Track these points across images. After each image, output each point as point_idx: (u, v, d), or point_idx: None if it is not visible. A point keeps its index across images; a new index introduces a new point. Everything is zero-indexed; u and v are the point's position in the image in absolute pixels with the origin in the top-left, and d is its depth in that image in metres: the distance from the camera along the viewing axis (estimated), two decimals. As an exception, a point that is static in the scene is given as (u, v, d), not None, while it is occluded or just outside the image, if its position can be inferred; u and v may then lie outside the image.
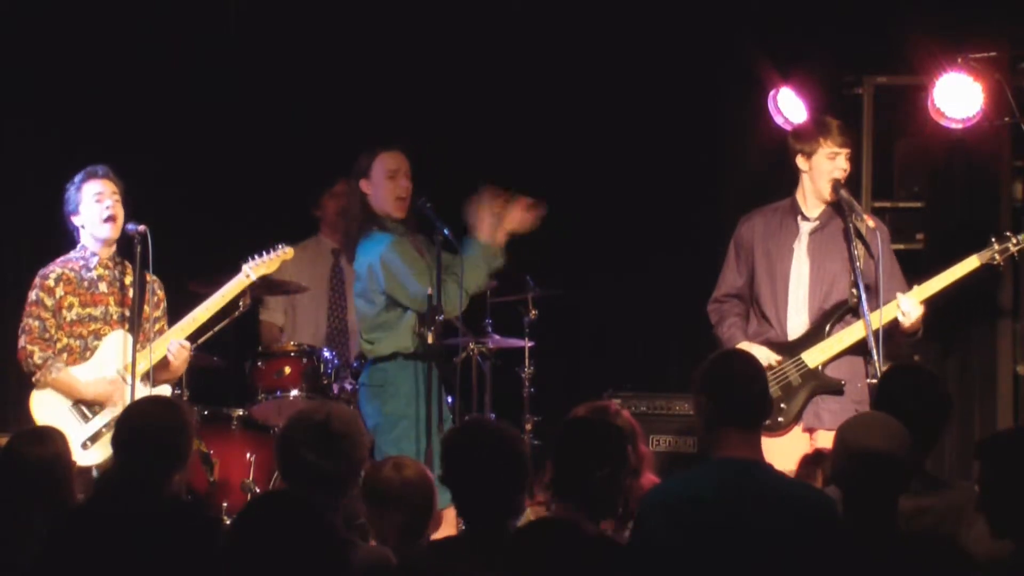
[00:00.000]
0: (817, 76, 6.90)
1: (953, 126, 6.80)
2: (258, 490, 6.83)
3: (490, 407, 7.58)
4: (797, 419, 6.15)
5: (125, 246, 6.32)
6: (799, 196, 6.31)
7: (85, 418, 6.24)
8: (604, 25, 7.97)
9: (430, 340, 6.17)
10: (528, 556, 3.53)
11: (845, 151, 6.21)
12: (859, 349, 6.15)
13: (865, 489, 4.09)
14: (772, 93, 6.78)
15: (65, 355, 6.27)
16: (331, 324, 7.88)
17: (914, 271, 6.48)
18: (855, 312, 6.15)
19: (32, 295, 6.29)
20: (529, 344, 7.73)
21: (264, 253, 6.59)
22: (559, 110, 8.13)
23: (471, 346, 7.37)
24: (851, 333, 6.14)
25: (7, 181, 7.56)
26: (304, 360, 7.06)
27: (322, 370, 7.08)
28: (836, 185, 6.19)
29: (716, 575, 3.95)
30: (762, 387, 4.22)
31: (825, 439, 5.71)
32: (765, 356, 6.14)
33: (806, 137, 6.28)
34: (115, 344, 6.32)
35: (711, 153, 8.04)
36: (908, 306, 6.07)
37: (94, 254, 6.35)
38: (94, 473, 6.08)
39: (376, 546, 4.30)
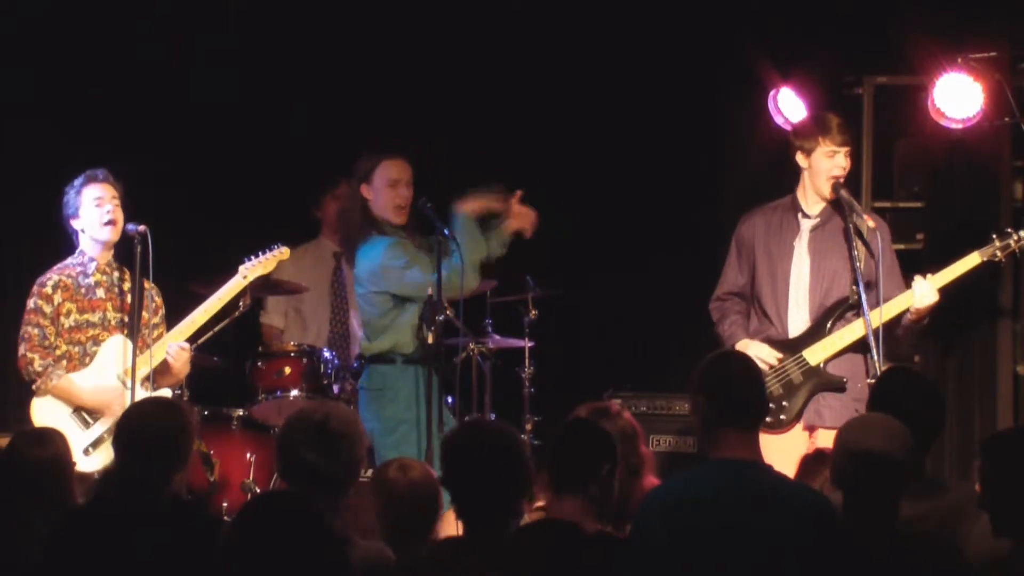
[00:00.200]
0: (817, 76, 6.90)
1: (953, 126, 6.81)
2: (258, 490, 6.83)
3: (490, 407, 7.58)
4: (799, 417, 6.15)
5: (125, 247, 6.32)
6: (800, 193, 6.32)
7: (86, 424, 6.24)
8: (604, 25, 7.97)
9: (430, 340, 6.18)
10: (528, 556, 3.53)
11: (844, 149, 6.21)
12: (860, 347, 6.15)
13: (865, 490, 4.09)
14: (772, 93, 6.79)
15: (65, 362, 6.27)
16: (333, 328, 7.89)
17: (914, 271, 6.48)
18: (856, 309, 6.15)
19: (31, 303, 6.29)
20: (529, 344, 7.73)
21: (260, 253, 6.60)
22: (559, 110, 8.13)
23: (471, 346, 7.37)
24: (852, 331, 6.14)
25: (7, 181, 7.56)
26: (304, 360, 7.06)
27: (322, 370, 7.08)
28: (836, 185, 6.19)
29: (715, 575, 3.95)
30: (760, 387, 4.22)
31: (826, 437, 5.71)
32: (766, 354, 6.15)
33: (805, 134, 6.29)
34: (114, 349, 6.32)
35: (711, 153, 8.04)
36: (925, 288, 6.07)
37: (92, 260, 6.35)
38: (96, 479, 6.08)
39: (375, 544, 4.30)
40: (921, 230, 7.52)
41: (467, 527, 4.18)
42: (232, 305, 6.68)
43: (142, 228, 6.18)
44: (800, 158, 6.28)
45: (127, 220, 6.29)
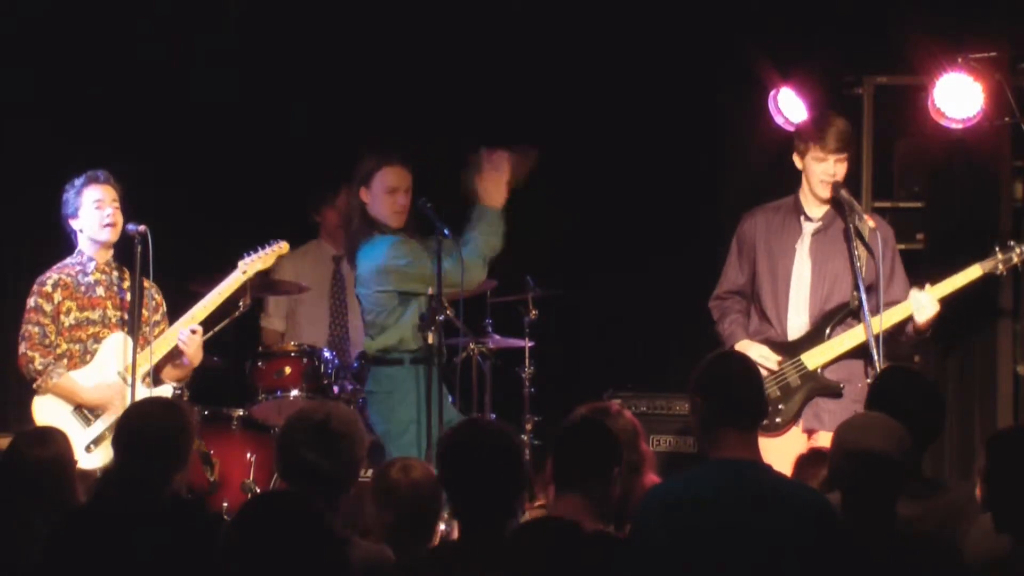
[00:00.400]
0: (817, 76, 6.90)
1: (953, 126, 6.80)
2: (258, 490, 6.83)
3: (490, 407, 7.58)
4: (795, 419, 6.16)
5: (125, 246, 6.32)
6: (802, 195, 6.31)
7: (87, 422, 6.25)
8: (604, 25, 7.97)
9: (431, 340, 6.18)
10: (528, 555, 3.53)
11: (834, 157, 6.17)
12: (859, 352, 6.15)
13: (863, 489, 4.09)
14: (772, 93, 6.78)
15: (65, 360, 6.28)
16: (332, 330, 7.89)
17: (914, 271, 6.48)
18: (856, 315, 6.15)
19: (30, 302, 6.30)
20: (529, 344, 7.73)
21: (259, 249, 6.60)
22: (559, 110, 8.13)
23: (471, 346, 7.37)
24: (851, 337, 6.14)
25: (7, 181, 7.56)
26: (304, 360, 7.06)
27: (322, 370, 7.08)
28: (836, 185, 6.19)
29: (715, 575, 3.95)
30: (759, 388, 4.22)
31: (825, 440, 5.70)
32: (765, 356, 6.14)
33: (801, 136, 6.30)
34: (114, 347, 6.33)
35: (711, 153, 8.04)
36: (926, 300, 6.08)
37: (91, 259, 6.36)
38: (98, 476, 6.08)
39: (375, 544, 4.30)
40: (921, 230, 7.51)
41: (464, 526, 4.18)
42: (232, 305, 6.68)
43: (142, 228, 6.19)
44: (796, 159, 6.29)
45: (127, 220, 6.30)
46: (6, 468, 4.71)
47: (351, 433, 4.29)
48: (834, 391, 6.15)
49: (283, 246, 6.67)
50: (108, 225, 6.28)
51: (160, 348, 6.32)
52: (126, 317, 6.37)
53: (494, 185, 6.26)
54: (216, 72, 8.00)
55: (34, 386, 6.26)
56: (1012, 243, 6.25)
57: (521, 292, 7.71)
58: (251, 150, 8.13)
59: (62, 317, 6.30)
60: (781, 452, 5.71)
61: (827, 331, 6.18)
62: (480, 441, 4.20)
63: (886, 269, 6.13)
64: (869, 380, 6.03)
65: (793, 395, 6.17)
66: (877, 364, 5.92)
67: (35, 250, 7.17)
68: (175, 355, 6.38)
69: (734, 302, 6.41)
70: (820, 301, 6.21)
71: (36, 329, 6.27)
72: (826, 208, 6.28)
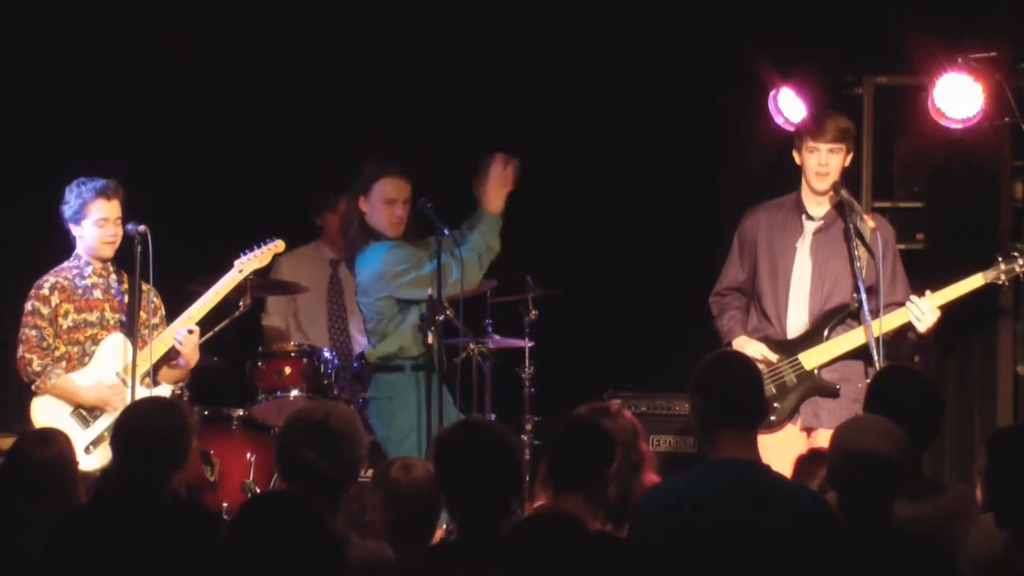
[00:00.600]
0: (817, 76, 6.89)
1: (953, 126, 6.80)
2: (258, 490, 6.84)
3: (490, 407, 7.58)
4: (790, 417, 6.16)
5: (125, 247, 6.33)
6: (803, 193, 6.32)
7: (86, 423, 6.25)
8: (604, 25, 7.97)
9: (431, 340, 6.18)
10: (528, 553, 3.53)
11: (827, 147, 6.16)
12: (858, 352, 6.15)
13: (861, 490, 4.09)
14: (772, 93, 6.78)
15: (64, 362, 6.28)
16: (332, 333, 7.90)
17: (914, 271, 6.48)
18: (856, 316, 6.15)
19: (28, 306, 6.31)
20: (529, 344, 7.73)
21: (255, 247, 6.61)
22: (559, 110, 8.13)
23: (471, 346, 7.37)
24: (850, 339, 6.14)
25: (7, 181, 7.56)
26: (304, 360, 7.07)
27: (322, 370, 7.09)
28: (836, 185, 6.19)
29: (715, 575, 3.95)
30: (759, 388, 4.22)
31: (824, 438, 5.69)
32: (763, 353, 6.15)
33: (798, 131, 6.31)
34: (113, 347, 6.33)
35: (711, 153, 8.04)
36: (926, 307, 6.08)
37: (88, 263, 6.37)
38: (97, 477, 6.08)
39: (375, 544, 4.30)
40: (921, 230, 7.51)
41: (460, 526, 4.18)
42: (232, 305, 6.68)
43: (142, 228, 6.19)
44: (795, 154, 6.29)
45: (127, 220, 6.30)
46: (8, 468, 4.71)
47: (351, 433, 4.29)
48: (830, 391, 6.16)
49: (279, 244, 6.67)
50: (109, 243, 6.32)
51: (158, 349, 6.32)
52: (124, 319, 6.38)
53: (496, 191, 6.27)
54: (216, 72, 8.00)
55: (33, 387, 6.26)
56: (1015, 253, 6.24)
57: (521, 292, 7.71)
58: (251, 150, 8.13)
59: (60, 320, 6.30)
60: (779, 450, 5.72)
61: (826, 332, 6.18)
62: (476, 440, 4.20)
63: (887, 271, 6.12)
64: (869, 380, 6.03)
65: (788, 394, 6.17)
66: (877, 365, 5.92)
67: (35, 250, 7.18)
68: (172, 356, 6.38)
69: (734, 299, 6.41)
70: (820, 301, 6.21)
71: (34, 332, 6.27)
72: (827, 208, 6.28)
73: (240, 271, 6.56)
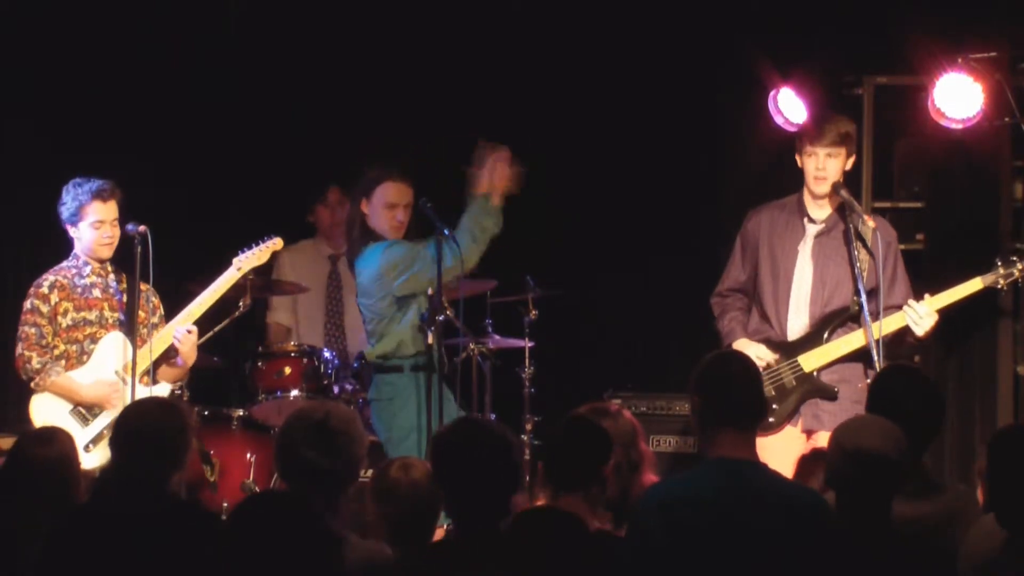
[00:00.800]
0: (817, 76, 6.89)
1: (953, 126, 6.79)
2: (258, 490, 6.84)
3: (490, 407, 7.58)
4: (789, 419, 6.16)
5: (125, 247, 6.33)
6: (804, 196, 6.31)
7: (85, 421, 6.25)
8: (604, 25, 7.97)
9: (431, 340, 6.19)
10: (528, 550, 3.53)
11: (824, 150, 6.16)
12: (858, 354, 6.15)
13: (859, 489, 4.09)
14: (772, 93, 6.78)
15: (63, 361, 6.28)
16: (328, 329, 7.90)
17: (914, 271, 6.48)
18: (856, 319, 6.15)
19: (27, 304, 6.32)
20: (529, 344, 7.73)
21: (253, 245, 6.62)
22: (559, 110, 8.13)
23: (471, 346, 7.37)
24: (849, 342, 6.14)
25: (7, 181, 7.56)
26: (304, 360, 7.07)
27: (322, 370, 7.09)
28: (836, 186, 6.18)
29: (714, 575, 3.95)
30: (758, 388, 4.22)
31: (825, 440, 5.67)
32: (762, 354, 6.14)
33: (798, 134, 6.32)
34: (112, 346, 6.33)
35: (711, 153, 8.04)
36: (923, 311, 6.08)
37: (87, 263, 6.37)
38: (96, 476, 6.08)
39: (375, 543, 4.30)
40: (921, 230, 7.51)
41: (459, 524, 4.18)
42: (232, 305, 6.69)
43: (142, 228, 6.20)
44: (797, 158, 6.29)
45: (127, 220, 6.30)
46: (11, 467, 4.71)
47: (350, 431, 4.29)
48: (829, 394, 6.16)
49: (277, 242, 6.68)
50: (106, 245, 6.32)
51: (157, 347, 6.32)
52: (123, 318, 6.38)
53: (488, 177, 6.27)
54: (216, 72, 8.00)
55: (32, 385, 6.26)
56: (1014, 258, 6.24)
57: (521, 292, 7.71)
58: (251, 150, 8.13)
59: (59, 318, 6.31)
60: (779, 452, 5.72)
61: (825, 334, 6.18)
62: (474, 439, 4.20)
63: (887, 272, 6.12)
64: (869, 381, 6.03)
65: (788, 396, 6.17)
66: (877, 367, 5.92)
67: (35, 250, 7.17)
68: (171, 355, 6.39)
69: (735, 299, 6.40)
70: (821, 304, 6.21)
71: (33, 330, 6.27)
72: (829, 211, 6.27)
73: (239, 269, 6.57)
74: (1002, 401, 7.23)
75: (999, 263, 6.22)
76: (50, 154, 7.36)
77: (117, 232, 6.33)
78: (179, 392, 6.60)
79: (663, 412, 7.34)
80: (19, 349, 6.28)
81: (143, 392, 6.11)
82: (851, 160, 6.28)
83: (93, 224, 6.30)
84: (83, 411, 6.27)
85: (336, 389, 7.11)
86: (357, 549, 4.11)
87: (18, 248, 7.59)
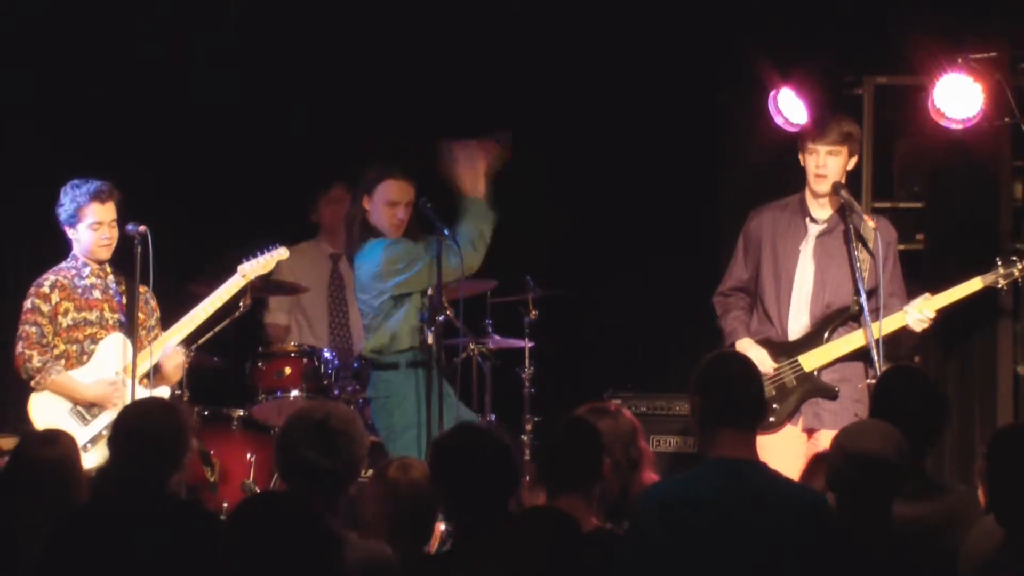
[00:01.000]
0: (817, 76, 6.88)
1: (953, 126, 6.79)
2: (258, 490, 6.84)
3: (490, 407, 7.58)
4: (789, 418, 6.16)
5: (125, 247, 6.33)
6: (807, 196, 6.32)
7: (84, 420, 6.25)
8: (604, 25, 7.97)
9: (430, 340, 6.19)
10: (527, 551, 3.52)
11: (825, 148, 6.17)
12: (858, 353, 6.15)
13: (859, 491, 4.09)
14: (772, 93, 6.77)
15: (63, 360, 6.28)
16: (333, 328, 7.89)
17: (914, 271, 6.48)
18: (857, 319, 6.15)
19: (28, 303, 6.32)
20: (529, 344, 7.73)
21: (259, 253, 6.62)
22: (560, 110, 8.13)
23: (471, 346, 7.37)
24: (849, 342, 6.15)
25: (7, 181, 7.56)
26: (304, 360, 7.07)
27: (322, 370, 7.09)
28: (836, 185, 6.19)
29: (713, 575, 3.95)
30: (758, 388, 4.22)
31: (826, 439, 5.70)
32: (763, 360, 6.14)
33: (800, 134, 6.32)
34: (112, 347, 6.34)
35: (711, 153, 8.04)
36: (929, 312, 6.09)
37: (86, 264, 6.37)
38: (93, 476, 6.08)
39: (375, 543, 4.30)
40: (921, 230, 7.52)
41: (456, 528, 4.19)
42: (232, 305, 6.69)
43: (142, 228, 6.20)
44: (800, 156, 6.30)
45: (127, 220, 6.30)
46: (13, 468, 4.71)
47: (350, 431, 4.29)
48: (829, 393, 6.16)
49: (283, 252, 6.70)
50: (105, 246, 6.33)
51: (156, 351, 6.33)
52: (123, 319, 6.38)
53: (470, 176, 6.27)
54: (216, 72, 8.00)
55: (32, 383, 6.26)
56: (1014, 258, 6.24)
57: (521, 292, 7.71)
58: (251, 150, 8.13)
59: (60, 318, 6.31)
60: (780, 451, 5.73)
61: (826, 334, 6.18)
62: (473, 445, 4.21)
63: (886, 274, 6.13)
64: (869, 380, 6.04)
65: (788, 396, 6.17)
66: (877, 368, 5.92)
67: (35, 250, 7.17)
68: (158, 366, 6.38)
69: (738, 299, 6.41)
70: (822, 304, 6.21)
71: (33, 329, 6.28)
72: (831, 211, 6.27)
73: (244, 276, 6.57)
74: (1002, 401, 7.23)
75: (999, 263, 6.22)
76: (50, 154, 7.36)
77: (116, 233, 6.33)
78: (179, 392, 6.60)
79: (663, 412, 7.34)
80: (19, 348, 6.28)
81: (143, 393, 6.11)
82: (853, 160, 6.28)
83: (91, 226, 6.30)
84: (82, 411, 6.27)
85: (336, 389, 7.11)
86: (357, 549, 4.11)
87: (18, 248, 7.59)
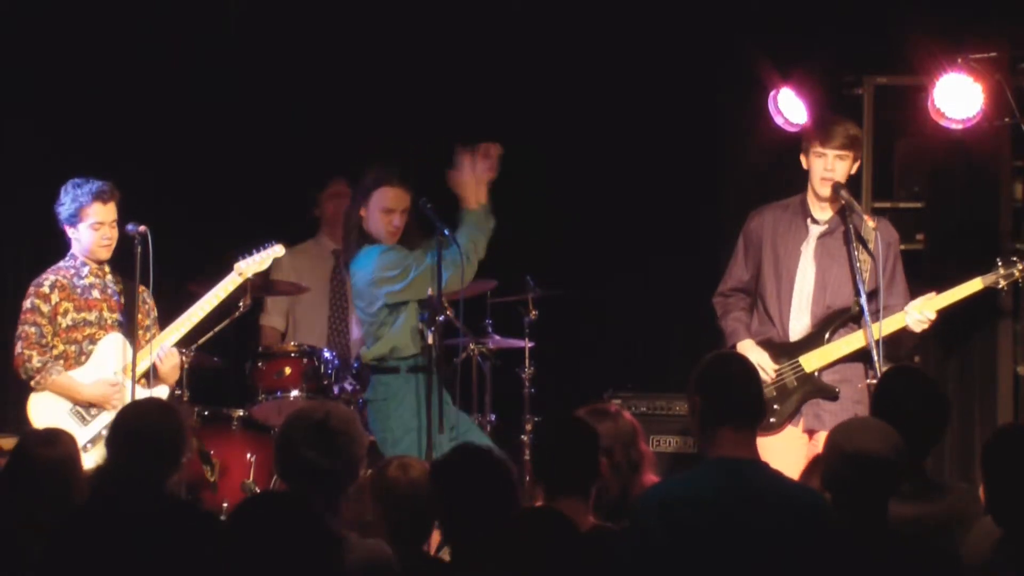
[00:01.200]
0: (817, 76, 6.89)
1: (953, 126, 6.79)
2: (258, 490, 6.84)
3: (490, 407, 7.58)
4: (790, 419, 6.16)
5: (125, 247, 6.33)
6: (808, 196, 6.32)
7: (84, 421, 6.25)
8: (604, 25, 7.97)
9: (431, 341, 6.19)
10: (527, 551, 3.53)
11: (833, 152, 6.17)
12: (859, 354, 6.15)
13: (856, 491, 4.08)
14: (772, 93, 6.78)
15: (62, 361, 6.28)
16: (332, 325, 7.89)
17: (914, 271, 6.48)
18: (857, 319, 6.15)
19: (27, 303, 6.32)
20: (529, 344, 7.73)
21: (255, 251, 6.62)
22: (560, 110, 8.13)
23: (471, 346, 7.37)
24: (850, 342, 6.15)
25: (7, 181, 7.56)
26: (304, 360, 7.06)
27: (322, 370, 7.08)
28: (836, 186, 6.18)
29: (714, 575, 3.95)
30: (757, 388, 4.22)
31: (828, 439, 5.71)
32: (764, 363, 6.14)
33: (804, 136, 6.32)
34: (111, 347, 6.34)
35: (711, 153, 8.04)
36: (929, 313, 6.09)
37: (84, 263, 6.37)
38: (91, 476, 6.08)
39: (375, 543, 4.30)
40: (921, 230, 7.52)
41: (454, 548, 4.21)
42: (232, 305, 6.69)
43: (142, 228, 6.20)
44: (802, 158, 6.29)
45: (127, 220, 6.30)
46: (14, 468, 4.71)
47: (350, 431, 4.30)
48: (830, 394, 6.16)
49: (279, 249, 6.70)
50: (105, 246, 6.32)
51: (153, 351, 6.33)
52: (122, 319, 6.38)
53: (470, 187, 6.28)
54: (216, 72, 8.00)
55: (32, 383, 6.26)
56: (1015, 258, 6.24)
57: (521, 292, 7.71)
58: (251, 150, 8.13)
59: (59, 318, 6.31)
60: (781, 452, 5.73)
61: (826, 335, 6.18)
62: (473, 468, 4.23)
63: (886, 275, 6.13)
64: (869, 381, 6.04)
65: (789, 396, 6.17)
66: (877, 368, 5.92)
67: (35, 250, 7.17)
68: (154, 368, 6.38)
69: (738, 299, 6.40)
70: (823, 304, 6.21)
71: (33, 329, 6.27)
72: (832, 213, 6.27)
73: (240, 274, 6.57)
74: (1002, 401, 7.24)
75: (999, 263, 6.22)
76: (50, 154, 7.36)
77: (116, 233, 6.33)
78: (179, 393, 6.60)
79: (663, 412, 7.34)
80: (19, 348, 6.27)
81: (142, 394, 6.11)
82: (857, 164, 6.29)
83: (93, 226, 6.30)
84: (82, 411, 6.27)
85: (336, 389, 7.11)
86: (357, 549, 4.12)
87: (18, 248, 7.59)
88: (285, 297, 7.86)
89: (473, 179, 6.26)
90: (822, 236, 6.27)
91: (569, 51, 8.03)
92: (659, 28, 7.93)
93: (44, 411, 6.21)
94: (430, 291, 6.18)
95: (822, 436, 5.95)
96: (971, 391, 7.30)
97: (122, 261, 6.42)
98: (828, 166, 6.17)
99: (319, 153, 8.09)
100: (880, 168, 7.48)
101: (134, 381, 6.20)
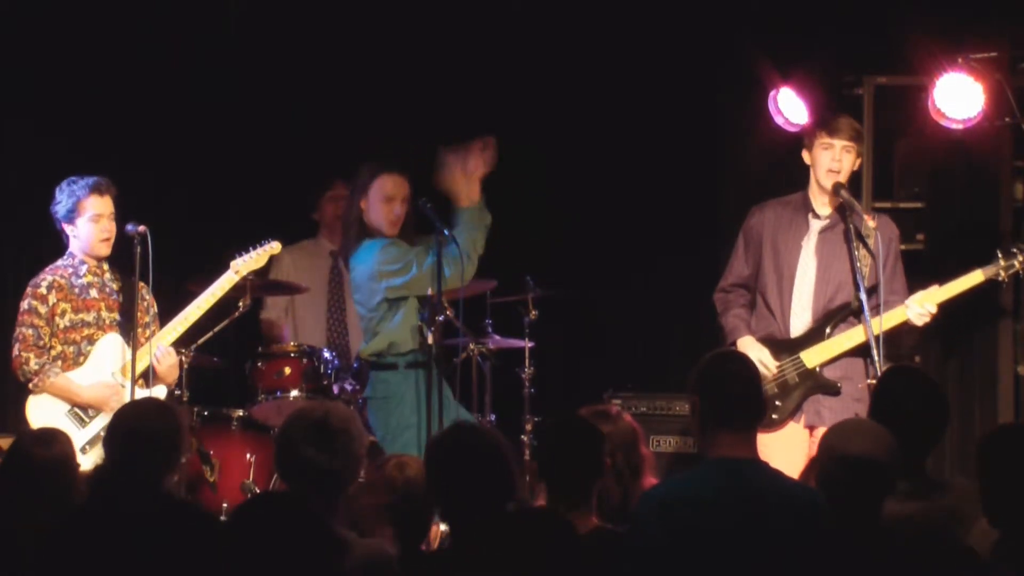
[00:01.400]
0: (817, 76, 6.89)
1: (953, 126, 6.79)
2: (258, 490, 6.84)
3: (490, 407, 7.58)
4: (792, 416, 6.16)
5: (125, 247, 6.32)
6: (810, 192, 6.32)
7: (82, 422, 6.25)
8: (604, 25, 7.97)
9: (430, 340, 6.19)
10: (527, 551, 3.53)
11: (840, 143, 6.18)
12: (859, 351, 6.15)
13: (849, 493, 4.08)
14: (772, 93, 6.78)
15: (60, 362, 6.27)
16: (330, 326, 7.89)
17: (914, 271, 6.48)
18: (858, 315, 6.15)
19: (24, 304, 6.30)
20: (529, 344, 7.73)
21: (251, 249, 6.61)
22: (560, 110, 8.13)
23: (471, 346, 7.37)
24: (850, 337, 6.15)
25: (7, 181, 7.56)
26: (304, 360, 7.06)
27: (322, 370, 7.08)
28: (837, 185, 6.19)
29: (714, 575, 3.95)
30: (756, 387, 4.22)
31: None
32: (765, 360, 6.14)
33: (808, 130, 6.33)
34: (109, 347, 6.33)
35: (711, 153, 8.04)
36: (931, 306, 6.09)
37: (82, 262, 6.36)
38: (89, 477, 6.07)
39: (375, 542, 4.30)
40: (921, 230, 7.52)
41: (453, 530, 4.19)
42: (232, 305, 6.68)
43: (142, 228, 6.19)
44: (805, 154, 6.30)
45: (126, 220, 6.30)
46: (9, 468, 4.71)
47: (350, 431, 4.30)
48: (832, 389, 6.16)
49: (275, 246, 6.69)
50: (105, 240, 6.31)
51: (152, 349, 6.32)
52: (120, 319, 6.37)
53: (461, 184, 6.27)
54: (216, 72, 8.00)
55: (30, 386, 6.25)
56: (1015, 250, 6.24)
57: (521, 292, 7.71)
58: (251, 150, 8.13)
59: (57, 319, 6.29)
60: (782, 448, 5.75)
61: (827, 330, 6.18)
62: (468, 445, 4.22)
63: (887, 272, 6.13)
64: (869, 379, 6.04)
65: (791, 392, 6.18)
66: (877, 365, 5.92)
67: (35, 250, 7.17)
68: (152, 368, 6.37)
69: (738, 295, 6.40)
70: (824, 300, 6.21)
71: (30, 331, 6.26)
72: (832, 209, 6.27)
73: (236, 272, 6.57)
74: (1002, 401, 7.24)
75: (1000, 255, 6.22)
76: (50, 154, 7.36)
77: (114, 228, 6.32)
78: (178, 393, 6.60)
79: (663, 412, 7.34)
80: (16, 350, 6.26)
81: (141, 394, 6.10)
82: (859, 161, 6.30)
83: (92, 218, 6.29)
84: (80, 412, 6.26)
85: (336, 389, 7.11)
86: (357, 549, 4.12)
87: (18, 248, 7.59)
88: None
89: (464, 177, 6.25)
90: (823, 231, 6.27)
91: (569, 51, 8.03)
92: (659, 28, 7.93)
93: (42, 413, 6.20)
94: (430, 291, 6.18)
95: (822, 432, 5.98)
96: (971, 391, 7.30)
97: (122, 261, 6.41)
98: (836, 156, 6.18)
99: (319, 153, 8.09)
100: (880, 168, 7.48)
101: (133, 381, 6.19)
